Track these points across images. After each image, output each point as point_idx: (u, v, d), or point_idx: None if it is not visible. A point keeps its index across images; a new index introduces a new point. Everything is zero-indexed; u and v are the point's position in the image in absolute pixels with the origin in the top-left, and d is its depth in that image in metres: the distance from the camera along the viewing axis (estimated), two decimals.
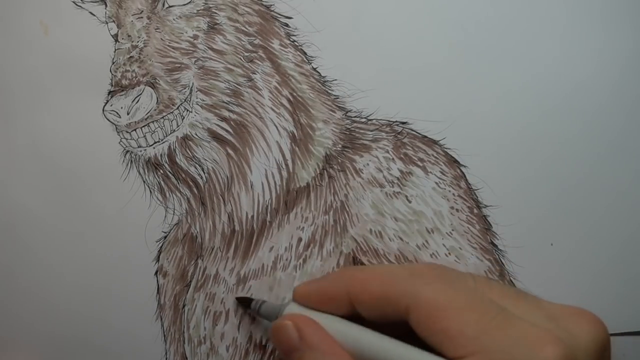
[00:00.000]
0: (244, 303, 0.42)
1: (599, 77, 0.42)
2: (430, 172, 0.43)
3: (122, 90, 0.43)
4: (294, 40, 0.44)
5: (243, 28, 0.44)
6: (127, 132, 0.44)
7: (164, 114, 0.43)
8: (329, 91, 0.44)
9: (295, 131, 0.44)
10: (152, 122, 0.43)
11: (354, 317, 0.35)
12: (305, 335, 0.35)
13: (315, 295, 0.37)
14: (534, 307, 0.32)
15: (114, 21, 0.44)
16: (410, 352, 0.31)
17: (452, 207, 0.43)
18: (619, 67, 0.42)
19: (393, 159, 0.43)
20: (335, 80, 0.44)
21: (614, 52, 0.42)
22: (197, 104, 0.44)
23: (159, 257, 0.45)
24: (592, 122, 0.42)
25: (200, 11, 0.44)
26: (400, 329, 0.33)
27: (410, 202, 0.43)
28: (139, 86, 0.43)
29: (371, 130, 0.44)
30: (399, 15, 0.44)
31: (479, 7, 0.43)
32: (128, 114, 0.43)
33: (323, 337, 0.34)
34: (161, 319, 0.45)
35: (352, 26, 0.44)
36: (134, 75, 0.43)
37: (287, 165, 0.44)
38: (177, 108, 0.43)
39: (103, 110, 0.44)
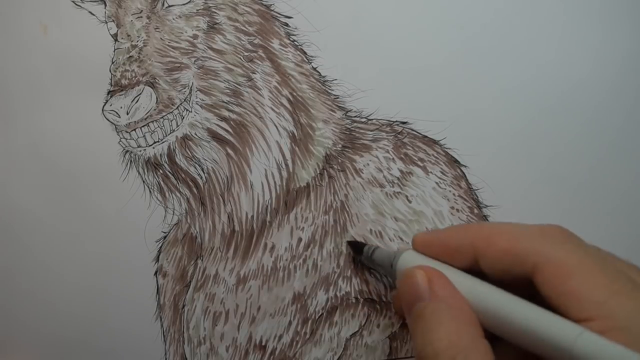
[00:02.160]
0: (356, 248, 0.42)
1: (597, 76, 0.42)
2: (431, 172, 0.43)
3: (122, 90, 0.43)
4: (294, 40, 0.44)
5: (243, 27, 0.44)
6: (126, 132, 0.43)
7: (164, 113, 0.43)
8: (329, 91, 0.44)
9: (295, 131, 0.44)
10: (152, 122, 0.43)
11: (474, 272, 0.34)
12: (435, 287, 0.33)
13: (437, 245, 0.36)
14: None
15: (113, 21, 0.44)
16: (535, 312, 0.30)
17: (452, 207, 0.43)
18: (618, 66, 0.42)
19: (393, 158, 0.43)
20: (336, 80, 0.44)
21: (612, 51, 0.42)
22: (197, 104, 0.43)
23: (158, 257, 0.44)
24: (591, 122, 0.42)
25: (200, 11, 0.44)
26: (521, 289, 0.32)
27: (410, 202, 0.43)
28: (138, 86, 0.43)
29: (371, 130, 0.44)
30: (399, 15, 0.44)
31: (478, 8, 0.43)
32: (127, 113, 0.43)
33: (452, 292, 0.33)
34: (161, 320, 0.44)
35: (352, 26, 0.44)
36: (134, 74, 0.43)
37: (287, 165, 0.44)
38: (177, 108, 0.43)
39: (102, 110, 0.44)
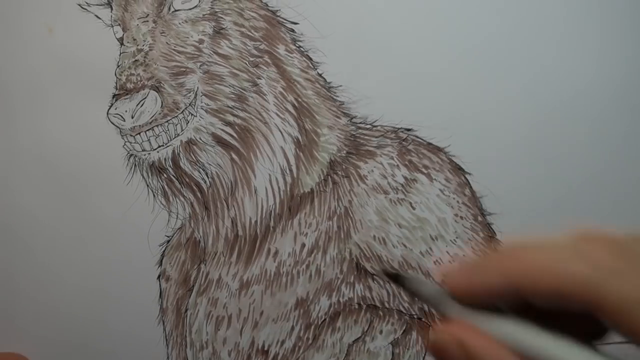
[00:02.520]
0: (396, 280, 0.39)
1: (601, 82, 0.42)
2: (435, 179, 0.43)
3: (127, 94, 0.43)
4: (300, 46, 0.44)
5: (249, 33, 0.44)
6: (131, 135, 0.43)
7: (169, 118, 0.43)
8: (334, 97, 0.44)
9: (300, 137, 0.44)
10: (157, 126, 0.43)
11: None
12: (471, 349, 0.31)
13: (473, 289, 0.32)
14: None
15: (119, 24, 0.44)
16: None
17: (456, 215, 0.43)
18: (621, 72, 0.42)
19: (398, 165, 0.43)
20: (341, 86, 0.44)
21: (615, 57, 0.43)
22: (202, 109, 0.44)
23: (161, 261, 0.44)
24: (595, 127, 0.42)
25: (206, 15, 0.44)
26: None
27: (414, 208, 0.43)
28: (143, 90, 0.43)
29: (376, 137, 0.44)
30: (404, 22, 0.44)
31: (483, 16, 0.43)
32: (132, 117, 0.43)
33: (492, 351, 0.31)
34: (163, 323, 0.44)
35: (358, 33, 0.44)
36: (139, 78, 0.43)
37: (291, 170, 0.44)
38: (182, 112, 0.43)
39: (107, 113, 0.44)
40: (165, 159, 0.44)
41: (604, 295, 0.26)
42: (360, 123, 0.44)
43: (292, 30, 0.44)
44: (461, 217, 0.43)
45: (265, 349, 0.43)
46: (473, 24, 0.43)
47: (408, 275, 0.37)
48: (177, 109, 0.43)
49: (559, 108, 0.43)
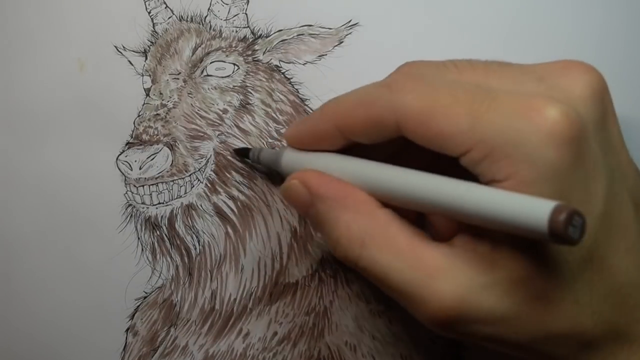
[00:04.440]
0: (243, 154, 0.42)
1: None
2: None
3: (141, 144, 0.43)
4: None
5: (274, 115, 0.44)
6: (134, 186, 0.44)
7: (175, 178, 0.43)
8: None
9: (298, 227, 0.44)
10: (162, 182, 0.43)
11: (354, 147, 0.34)
12: (312, 188, 0.33)
13: (306, 136, 0.35)
14: (519, 74, 0.30)
15: (150, 75, 0.44)
16: (410, 175, 0.30)
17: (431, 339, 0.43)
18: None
19: None
20: None
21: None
22: (210, 177, 0.44)
23: (133, 315, 0.44)
24: None
25: (236, 87, 0.44)
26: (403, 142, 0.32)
27: (391, 324, 0.43)
28: (157, 144, 0.43)
29: None
30: None
31: None
32: (140, 168, 0.43)
33: (331, 184, 0.33)
34: None
35: None
36: (156, 132, 0.43)
37: (281, 258, 0.44)
38: (190, 176, 0.43)
39: (117, 158, 0.44)
40: (162, 217, 0.44)
41: (405, 113, 0.29)
42: None
43: None
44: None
45: None
46: None
47: (252, 147, 0.41)
48: (186, 171, 0.43)
49: None
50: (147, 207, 0.44)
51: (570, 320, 0.29)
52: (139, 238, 0.44)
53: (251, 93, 0.44)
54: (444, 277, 0.28)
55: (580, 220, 0.25)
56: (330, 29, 0.44)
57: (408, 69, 0.33)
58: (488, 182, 0.28)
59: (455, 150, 0.28)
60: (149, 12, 0.44)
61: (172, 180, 0.43)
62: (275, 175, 0.43)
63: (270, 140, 0.44)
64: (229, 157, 0.44)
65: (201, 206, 0.44)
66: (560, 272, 0.28)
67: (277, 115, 0.44)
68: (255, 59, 0.44)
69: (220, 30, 0.44)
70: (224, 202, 0.44)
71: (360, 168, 0.33)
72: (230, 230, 0.44)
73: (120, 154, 0.44)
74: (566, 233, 0.24)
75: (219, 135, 0.44)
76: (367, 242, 0.31)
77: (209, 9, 0.44)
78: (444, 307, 0.28)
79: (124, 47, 0.45)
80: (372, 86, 0.32)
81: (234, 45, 0.44)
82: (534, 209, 0.25)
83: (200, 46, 0.44)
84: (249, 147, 0.43)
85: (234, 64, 0.44)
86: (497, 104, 0.28)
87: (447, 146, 0.28)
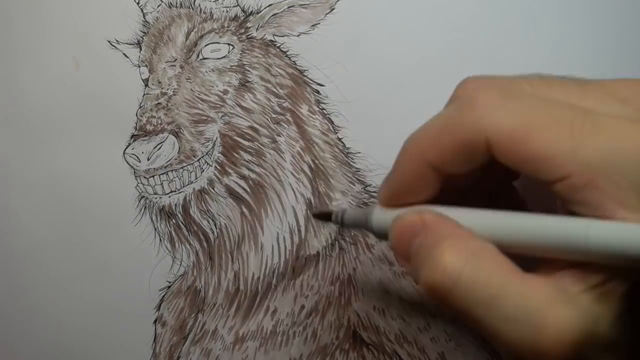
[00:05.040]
0: (323, 218, 0.38)
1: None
2: None
3: (146, 136, 0.43)
4: (323, 108, 0.44)
5: (274, 89, 0.44)
6: (144, 177, 0.43)
7: (184, 164, 0.43)
8: (351, 163, 0.44)
9: (312, 198, 0.44)
10: (171, 171, 0.43)
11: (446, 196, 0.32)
12: (427, 220, 0.30)
13: (398, 189, 0.32)
14: (601, 94, 0.29)
15: (146, 66, 0.44)
16: (535, 220, 0.28)
17: None
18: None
19: None
20: (359, 153, 0.44)
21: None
22: (218, 159, 0.43)
23: (160, 306, 0.44)
24: None
25: (233, 67, 0.44)
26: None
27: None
28: (162, 133, 0.43)
29: None
30: (431, 96, 0.43)
31: None
32: (148, 159, 0.43)
33: (442, 219, 0.30)
34: None
35: (382, 102, 0.44)
36: (159, 122, 0.43)
37: (299, 231, 0.44)
38: (198, 160, 0.43)
39: (124, 152, 0.44)
40: (175, 205, 0.44)
41: (494, 131, 0.27)
42: (374, 192, 0.44)
43: (317, 92, 0.44)
44: None
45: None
46: None
47: (333, 210, 0.37)
48: (194, 156, 0.43)
49: None
50: (160, 197, 0.44)
51: None
52: (155, 229, 0.44)
53: (249, 71, 0.44)
54: (562, 306, 0.26)
55: None
56: None
57: (480, 84, 0.30)
58: (591, 212, 0.26)
59: (553, 174, 0.26)
60: (138, 3, 0.44)
61: (182, 167, 0.43)
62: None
63: (273, 115, 0.44)
64: (235, 138, 0.43)
65: (213, 189, 0.43)
66: None
67: (277, 90, 0.44)
68: (249, 37, 0.44)
69: (211, 12, 0.44)
70: (236, 183, 0.44)
71: (466, 216, 0.30)
72: (245, 210, 0.44)
73: (126, 147, 0.44)
74: None
75: (222, 116, 0.44)
76: (473, 263, 0.28)
77: None
78: (562, 337, 0.26)
79: (117, 40, 0.45)
80: (450, 109, 0.29)
81: (226, 25, 0.44)
82: None
83: (192, 30, 0.44)
84: (331, 210, 0.39)
85: (229, 44, 0.44)
86: (598, 128, 0.26)
87: (544, 169, 0.27)
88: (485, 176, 0.31)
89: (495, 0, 0.42)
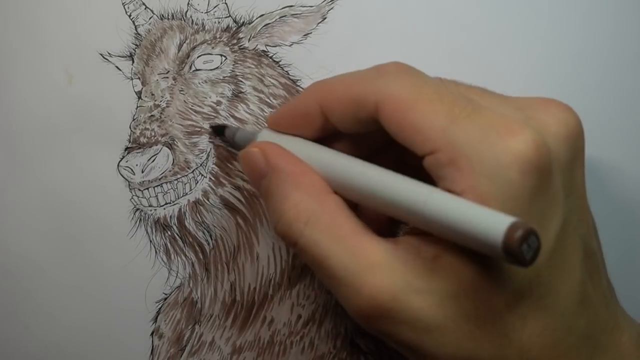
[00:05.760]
0: (219, 132, 0.42)
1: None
2: None
3: (139, 148, 0.43)
4: None
5: (267, 99, 0.44)
6: (139, 190, 0.43)
7: (179, 176, 0.43)
8: None
9: None
10: (166, 183, 0.43)
11: (331, 138, 0.34)
12: (271, 159, 0.33)
13: (287, 117, 0.35)
14: (501, 100, 0.31)
15: (139, 78, 0.44)
16: (384, 176, 0.30)
17: None
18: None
19: None
20: None
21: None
22: (213, 171, 0.43)
23: (156, 318, 0.44)
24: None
25: (226, 78, 0.44)
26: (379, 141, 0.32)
27: None
28: (156, 145, 0.43)
29: None
30: None
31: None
32: (142, 172, 0.43)
33: (290, 159, 0.33)
34: None
35: None
36: (153, 134, 0.43)
37: None
38: (192, 172, 0.43)
39: (118, 165, 0.44)
40: (170, 217, 0.44)
41: (386, 96, 0.29)
42: None
43: None
44: None
45: None
46: None
47: (229, 124, 0.40)
48: (188, 168, 0.43)
49: None
50: (155, 209, 0.44)
51: (495, 351, 0.28)
52: (151, 241, 0.44)
53: (242, 81, 0.44)
54: (382, 271, 0.28)
55: (536, 242, 0.24)
56: (311, 6, 0.43)
57: (398, 63, 0.32)
58: (446, 189, 0.28)
59: (424, 147, 0.28)
60: (130, 15, 0.44)
61: (176, 179, 0.43)
62: None
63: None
64: (228, 148, 0.43)
65: (208, 200, 0.44)
66: (497, 301, 0.28)
67: (270, 100, 0.44)
68: (241, 47, 0.44)
69: (203, 23, 0.44)
70: (231, 193, 0.44)
71: (323, 154, 0.33)
72: (240, 221, 0.44)
73: (120, 160, 0.44)
74: (520, 251, 0.24)
75: None
76: (312, 223, 0.30)
77: (188, 3, 0.44)
78: (374, 300, 0.28)
79: (109, 53, 0.44)
80: (361, 70, 0.32)
81: (218, 36, 0.44)
82: (491, 221, 0.25)
83: (185, 42, 0.44)
84: (225, 124, 0.42)
85: (221, 55, 0.44)
86: (476, 114, 0.28)
87: (417, 141, 0.28)
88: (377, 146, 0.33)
89: (493, 7, 0.43)
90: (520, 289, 0.28)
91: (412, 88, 0.29)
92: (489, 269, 0.28)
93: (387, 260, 0.29)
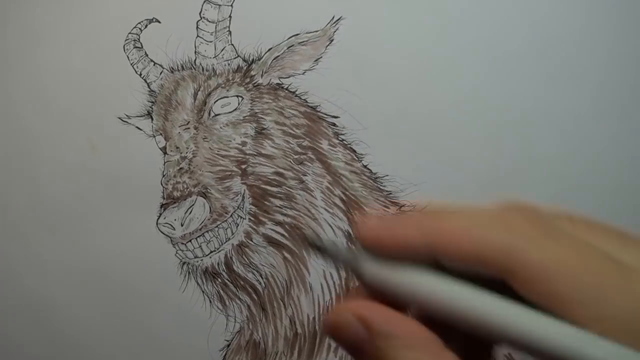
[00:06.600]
0: (315, 247, 0.39)
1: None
2: None
3: (175, 202, 0.43)
4: (343, 139, 0.44)
5: (291, 131, 0.44)
6: (182, 243, 0.44)
7: (218, 222, 0.43)
8: (381, 187, 0.44)
9: (350, 230, 0.44)
10: (207, 231, 0.43)
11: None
12: (374, 325, 0.29)
13: (388, 243, 0.32)
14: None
15: (161, 134, 0.44)
16: (514, 311, 0.28)
17: None
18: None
19: None
20: (387, 175, 0.44)
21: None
22: (251, 211, 0.44)
23: None
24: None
25: (246, 117, 0.44)
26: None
27: None
28: (190, 197, 0.43)
29: None
30: (444, 107, 0.44)
31: (529, 100, 0.43)
32: (182, 225, 0.43)
33: (395, 320, 0.30)
34: None
35: (399, 121, 0.44)
36: (185, 186, 0.43)
37: None
38: (231, 216, 0.43)
39: (157, 223, 0.44)
40: (218, 264, 0.44)
41: (522, 261, 0.25)
42: (409, 211, 0.44)
43: (334, 124, 0.44)
44: None
45: None
46: (521, 107, 0.43)
47: (328, 243, 0.36)
48: (226, 212, 0.43)
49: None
50: (201, 259, 0.44)
51: None
52: (203, 291, 0.44)
53: (262, 118, 0.44)
54: None
55: None
56: (317, 31, 0.43)
57: (523, 211, 0.30)
58: None
59: (572, 315, 0.27)
60: (140, 74, 0.44)
61: (216, 226, 0.43)
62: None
63: (295, 157, 0.44)
64: (262, 186, 0.44)
65: (252, 241, 0.44)
66: None
67: (294, 130, 0.44)
68: (255, 84, 0.44)
69: (214, 68, 0.44)
70: (272, 230, 0.44)
71: (444, 289, 0.29)
72: (287, 255, 0.44)
73: (158, 218, 0.44)
74: None
75: (246, 168, 0.44)
76: None
77: (195, 52, 0.44)
78: None
79: (127, 115, 0.45)
80: (482, 215, 0.29)
81: (230, 78, 0.44)
82: None
83: (199, 90, 0.44)
84: (322, 244, 0.38)
85: (238, 96, 0.44)
86: (626, 283, 0.26)
87: (564, 311, 0.27)
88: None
89: (505, 22, 0.42)
90: None
91: (550, 254, 0.27)
92: None
93: None
